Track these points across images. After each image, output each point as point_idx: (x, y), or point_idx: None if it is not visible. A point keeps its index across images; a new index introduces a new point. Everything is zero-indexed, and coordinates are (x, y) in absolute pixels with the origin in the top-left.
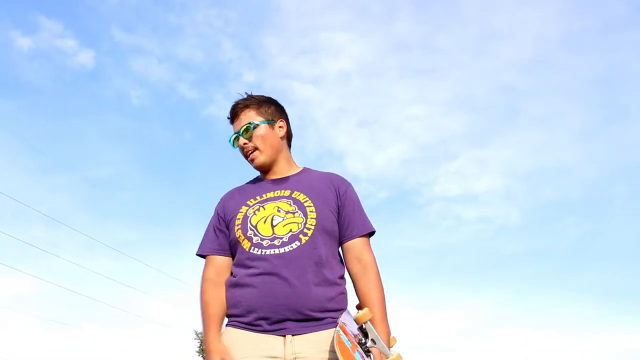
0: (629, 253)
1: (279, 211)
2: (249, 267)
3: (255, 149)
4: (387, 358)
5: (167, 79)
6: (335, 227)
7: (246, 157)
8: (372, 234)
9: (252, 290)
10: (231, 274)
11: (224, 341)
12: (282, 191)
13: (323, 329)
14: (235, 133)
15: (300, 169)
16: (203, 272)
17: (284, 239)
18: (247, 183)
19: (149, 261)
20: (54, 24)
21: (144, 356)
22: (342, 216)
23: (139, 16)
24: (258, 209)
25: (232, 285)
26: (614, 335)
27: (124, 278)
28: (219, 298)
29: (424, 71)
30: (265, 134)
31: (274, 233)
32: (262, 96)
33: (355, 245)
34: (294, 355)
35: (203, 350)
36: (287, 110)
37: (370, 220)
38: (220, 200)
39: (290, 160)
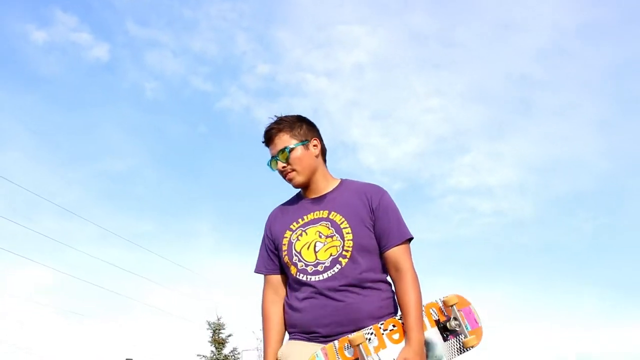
0: None
1: (320, 236)
2: (297, 291)
3: (293, 170)
4: (466, 338)
5: (182, 72)
6: (373, 242)
7: (285, 178)
8: (410, 239)
9: (303, 315)
10: (287, 293)
11: (284, 349)
12: (321, 212)
13: None
14: (272, 157)
15: (338, 182)
16: (263, 290)
17: (326, 264)
18: (289, 201)
19: (163, 253)
20: (69, 17)
21: (158, 346)
22: (377, 229)
23: (153, 10)
24: (301, 234)
25: (288, 307)
26: (632, 327)
27: (139, 269)
28: (277, 314)
29: (440, 64)
30: (301, 155)
31: (317, 259)
32: (293, 116)
33: (393, 254)
34: None
35: (215, 340)
36: (301, 104)
37: (408, 226)
38: (267, 221)
39: (326, 175)
